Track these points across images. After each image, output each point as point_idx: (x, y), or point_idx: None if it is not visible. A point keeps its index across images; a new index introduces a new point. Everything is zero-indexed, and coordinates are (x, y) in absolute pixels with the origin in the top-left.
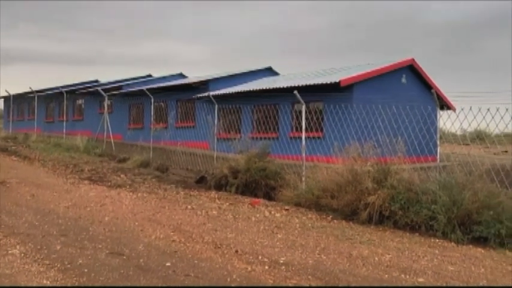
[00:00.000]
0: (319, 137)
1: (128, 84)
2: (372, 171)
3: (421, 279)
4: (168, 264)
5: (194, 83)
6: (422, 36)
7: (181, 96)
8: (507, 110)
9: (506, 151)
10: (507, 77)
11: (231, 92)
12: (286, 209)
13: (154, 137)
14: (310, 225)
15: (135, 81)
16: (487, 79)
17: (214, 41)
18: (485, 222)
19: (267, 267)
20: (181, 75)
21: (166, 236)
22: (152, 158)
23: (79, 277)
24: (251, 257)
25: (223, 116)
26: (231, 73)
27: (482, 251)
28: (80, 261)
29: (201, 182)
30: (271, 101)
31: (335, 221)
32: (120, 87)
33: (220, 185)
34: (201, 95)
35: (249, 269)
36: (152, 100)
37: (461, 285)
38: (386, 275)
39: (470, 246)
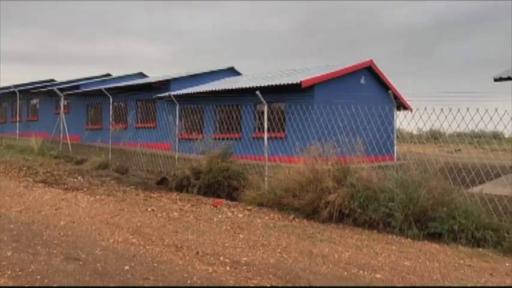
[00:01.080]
0: (281, 137)
1: (86, 84)
2: (332, 170)
3: (378, 275)
4: (126, 268)
5: (155, 82)
6: (382, 38)
7: (141, 96)
8: (459, 110)
9: (459, 150)
10: (462, 78)
11: (192, 92)
12: (249, 209)
13: (114, 137)
14: (272, 224)
15: (93, 80)
16: (443, 80)
17: (176, 41)
18: (440, 219)
19: (228, 268)
20: (141, 75)
21: (125, 239)
22: (111, 159)
23: (31, 284)
24: (212, 258)
25: (185, 116)
26: (192, 73)
27: (437, 246)
28: (33, 268)
29: (162, 183)
30: (233, 101)
31: (297, 220)
32: (77, 87)
33: (182, 186)
34: (161, 95)
35: (210, 270)
36: (111, 100)
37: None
38: (345, 272)
39: (426, 241)
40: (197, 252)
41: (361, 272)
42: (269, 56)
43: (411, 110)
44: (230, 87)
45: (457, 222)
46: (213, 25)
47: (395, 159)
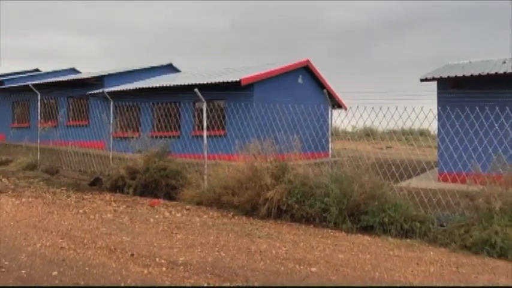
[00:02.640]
0: (221, 135)
1: (12, 79)
2: (270, 167)
3: (314, 269)
4: (54, 273)
5: (88, 78)
6: (321, 38)
7: (73, 92)
8: (388, 108)
9: (390, 146)
10: (393, 78)
11: (128, 89)
12: (188, 209)
13: (42, 136)
14: (211, 223)
15: (20, 75)
16: (376, 80)
17: (112, 36)
18: (371, 212)
19: (164, 268)
20: (73, 71)
21: (53, 244)
22: (40, 159)
23: None
24: (148, 260)
25: (120, 114)
26: (128, 69)
27: (369, 239)
28: None
29: (95, 184)
30: (172, 99)
31: (236, 217)
32: (1, 82)
33: (117, 187)
34: (94, 92)
35: (145, 272)
36: (39, 97)
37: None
38: (282, 267)
39: (359, 234)
40: (132, 254)
41: (297, 266)
42: (209, 53)
43: (346, 109)
44: (168, 85)
45: (387, 215)
46: (151, 21)
47: (330, 156)
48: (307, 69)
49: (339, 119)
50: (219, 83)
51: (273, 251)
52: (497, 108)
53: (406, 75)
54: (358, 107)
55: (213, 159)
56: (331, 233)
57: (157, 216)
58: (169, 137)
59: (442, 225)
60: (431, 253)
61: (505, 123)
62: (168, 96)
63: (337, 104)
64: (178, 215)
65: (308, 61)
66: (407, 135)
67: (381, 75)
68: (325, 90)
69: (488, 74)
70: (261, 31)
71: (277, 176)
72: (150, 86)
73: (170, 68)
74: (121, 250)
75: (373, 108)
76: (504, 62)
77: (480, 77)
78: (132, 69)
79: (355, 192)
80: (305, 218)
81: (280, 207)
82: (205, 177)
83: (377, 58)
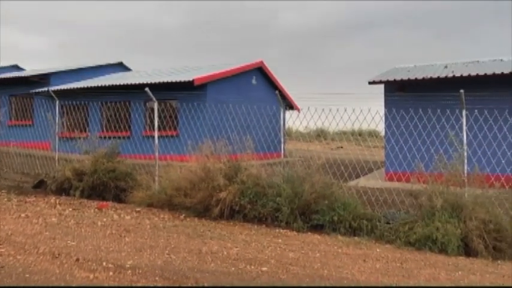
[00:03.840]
0: (173, 136)
1: None
2: (223, 168)
3: (264, 268)
4: None
5: (32, 76)
6: (276, 40)
7: (16, 90)
8: (337, 110)
9: (341, 147)
10: (344, 81)
11: (75, 87)
12: (138, 211)
13: None
14: (161, 225)
15: None
16: (329, 82)
17: (60, 33)
18: (322, 211)
19: (111, 273)
20: (16, 68)
21: None
22: None
23: None
24: (94, 264)
25: (67, 114)
26: (76, 67)
27: (319, 237)
28: None
29: (39, 186)
30: (122, 98)
31: (188, 219)
32: None
33: (63, 189)
34: (39, 90)
35: (91, 277)
36: None
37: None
38: (233, 268)
39: (309, 233)
40: (77, 259)
41: (248, 266)
42: (162, 52)
43: (298, 110)
44: (118, 83)
45: (336, 213)
46: (102, 19)
47: (282, 156)
48: (260, 71)
49: (292, 120)
50: (171, 82)
51: (225, 252)
52: (438, 110)
53: (356, 77)
54: (309, 108)
55: (164, 160)
56: (283, 232)
57: (105, 219)
58: (119, 137)
59: (388, 223)
60: (378, 250)
61: (446, 125)
62: (118, 96)
63: (290, 105)
64: (128, 217)
65: (262, 62)
66: (357, 136)
67: (332, 77)
68: (277, 92)
69: (431, 78)
70: (216, 31)
71: (230, 177)
72: (99, 85)
73: (121, 67)
74: (65, 255)
75: (323, 109)
76: (446, 67)
77: (424, 80)
78: (81, 67)
79: (306, 191)
80: (257, 218)
81: (233, 207)
82: (157, 178)
83: (329, 60)
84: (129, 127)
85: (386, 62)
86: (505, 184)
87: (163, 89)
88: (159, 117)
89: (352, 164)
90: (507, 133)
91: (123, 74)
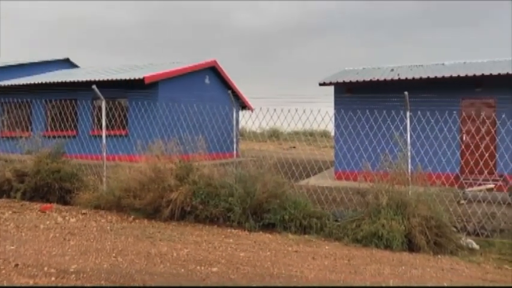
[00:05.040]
0: (121, 135)
1: None
2: (174, 168)
3: (214, 269)
4: None
5: None
6: (231, 40)
7: None
8: (289, 111)
9: (294, 147)
10: (300, 82)
11: (17, 84)
12: (84, 213)
13: None
14: (109, 227)
15: None
16: (283, 83)
17: (6, 28)
18: (273, 210)
19: (53, 278)
20: None
21: None
22: None
23: None
24: (35, 270)
25: (8, 112)
26: (18, 63)
27: (270, 236)
28: None
29: None
30: (68, 96)
31: (137, 220)
32: None
33: (3, 191)
34: None
35: (31, 283)
36: None
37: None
38: (182, 269)
39: (261, 232)
40: (16, 265)
41: (198, 267)
42: (113, 50)
43: (252, 110)
44: (64, 80)
45: (287, 212)
46: (52, 14)
47: (235, 156)
48: (214, 70)
49: (246, 120)
50: (121, 80)
51: (174, 253)
52: (384, 111)
53: (309, 78)
54: (261, 108)
55: (113, 160)
56: (235, 232)
57: (48, 222)
58: (65, 136)
59: (337, 221)
60: (327, 247)
61: (391, 126)
62: (64, 93)
63: (243, 105)
64: (73, 220)
65: (215, 62)
66: (309, 136)
67: (286, 78)
68: (229, 91)
69: (378, 80)
70: (169, 30)
71: (182, 177)
72: (43, 82)
73: (67, 63)
74: (3, 261)
75: (274, 110)
76: (392, 70)
77: (371, 82)
78: (23, 63)
79: (258, 191)
80: (209, 219)
81: (184, 208)
82: (104, 179)
83: (283, 61)
84: (76, 126)
85: (338, 64)
86: (445, 182)
87: (113, 87)
88: (107, 116)
89: (303, 164)
90: (447, 134)
91: (70, 70)
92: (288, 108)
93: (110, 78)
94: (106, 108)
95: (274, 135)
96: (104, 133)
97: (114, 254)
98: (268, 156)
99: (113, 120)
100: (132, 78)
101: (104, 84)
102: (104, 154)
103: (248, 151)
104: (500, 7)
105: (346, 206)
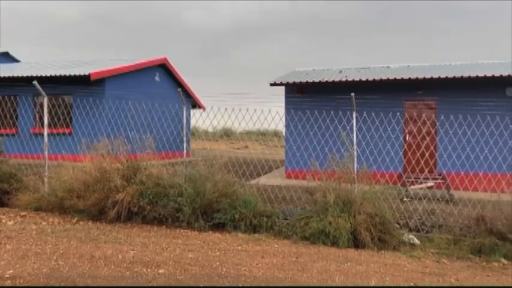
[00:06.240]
0: (65, 134)
1: None
2: (121, 168)
3: (161, 271)
4: None
5: None
6: (183, 38)
7: None
8: (240, 110)
9: (246, 146)
10: (253, 82)
11: None
12: (23, 215)
13: None
14: (50, 230)
15: None
16: (235, 82)
17: None
18: (223, 210)
19: None
20: None
21: None
22: None
23: None
24: None
25: None
26: None
27: (220, 236)
28: None
29: None
30: (7, 92)
31: (81, 222)
32: None
33: None
34: None
35: None
36: None
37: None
38: (128, 272)
39: (211, 232)
40: None
41: (144, 269)
42: (58, 45)
43: (204, 109)
44: (2, 75)
45: (238, 211)
46: None
47: (184, 156)
48: (164, 68)
49: (197, 119)
50: (65, 76)
51: (120, 256)
52: (332, 112)
53: (262, 78)
54: (212, 107)
55: (55, 160)
56: (184, 233)
57: None
58: (3, 135)
59: (286, 219)
60: (276, 245)
61: (339, 126)
62: (2, 89)
63: (196, 104)
64: (11, 222)
65: (165, 59)
66: (262, 136)
67: (240, 77)
68: (179, 89)
69: (326, 82)
70: (119, 27)
71: (129, 177)
72: None
73: (6, 57)
74: None
75: (226, 109)
76: (340, 71)
77: (320, 83)
78: None
79: (208, 191)
80: (158, 219)
81: (131, 209)
82: (46, 179)
83: (237, 61)
84: (15, 124)
85: (290, 64)
86: (389, 180)
87: (57, 83)
88: (50, 113)
89: (254, 163)
90: (391, 134)
91: (9, 65)
92: (239, 108)
93: (53, 73)
94: (48, 105)
95: (226, 134)
96: (45, 131)
97: (54, 258)
98: (220, 156)
99: (56, 118)
100: (77, 74)
101: (47, 80)
102: (46, 153)
103: (199, 150)
104: (447, 17)
105: (295, 205)
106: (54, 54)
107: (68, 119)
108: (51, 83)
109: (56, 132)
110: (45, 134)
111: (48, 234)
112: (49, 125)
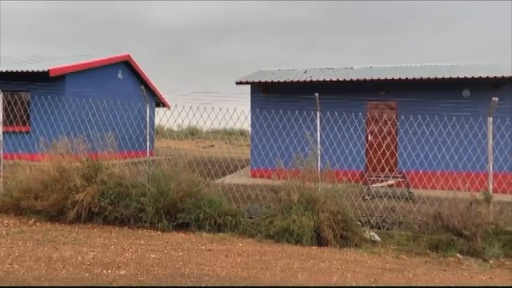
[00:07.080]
0: (21, 132)
1: None
2: (81, 167)
3: (122, 272)
4: None
5: None
6: (145, 36)
7: None
8: (205, 108)
9: (212, 145)
10: (218, 80)
11: None
12: None
13: None
14: (5, 232)
15: None
16: (200, 81)
17: None
18: (188, 209)
19: None
20: None
21: None
22: None
23: None
24: None
25: None
26: None
27: (183, 236)
28: None
29: None
30: None
31: (38, 224)
32: None
33: None
34: None
35: None
36: None
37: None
38: (87, 274)
39: (174, 232)
40: None
41: (104, 271)
42: (11, 39)
43: (169, 107)
44: None
45: (202, 211)
46: None
47: (148, 155)
48: (128, 65)
49: (163, 118)
50: (23, 72)
51: (79, 257)
52: (297, 112)
53: (228, 76)
54: (176, 105)
55: (11, 159)
56: (146, 233)
57: None
58: None
59: (251, 218)
60: (240, 244)
61: (303, 125)
62: None
63: (161, 103)
64: None
65: (129, 56)
66: (229, 135)
67: (205, 76)
68: (142, 87)
69: (291, 82)
70: (80, 22)
71: (89, 177)
72: None
73: None
74: None
75: (190, 107)
76: (305, 72)
77: (285, 83)
78: None
79: (172, 190)
80: (119, 220)
81: (92, 209)
82: (1, 179)
83: (203, 59)
84: None
85: (256, 64)
86: (351, 179)
87: (13, 79)
88: (5, 110)
89: (219, 162)
90: (353, 133)
91: None
92: (204, 106)
93: (9, 69)
94: (4, 102)
95: (192, 133)
96: (0, 129)
97: (9, 261)
98: (184, 155)
99: (12, 116)
100: (36, 70)
101: (2, 76)
102: (1, 152)
103: (164, 149)
104: (413, 17)
105: (260, 203)
106: (13, 49)
107: (25, 117)
108: (7, 78)
109: (12, 131)
110: (0, 132)
111: (3, 236)
112: (4, 123)
